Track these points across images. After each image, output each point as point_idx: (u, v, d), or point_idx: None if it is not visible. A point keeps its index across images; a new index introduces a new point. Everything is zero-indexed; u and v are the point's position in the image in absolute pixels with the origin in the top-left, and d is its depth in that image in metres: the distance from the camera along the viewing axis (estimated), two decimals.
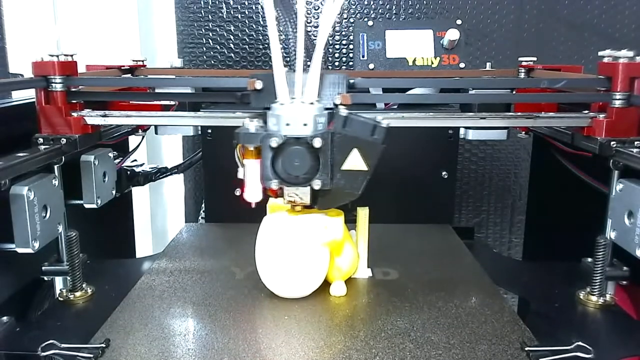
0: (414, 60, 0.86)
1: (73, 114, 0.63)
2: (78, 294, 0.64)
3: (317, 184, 0.51)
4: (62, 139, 0.61)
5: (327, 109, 0.52)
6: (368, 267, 0.65)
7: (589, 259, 0.64)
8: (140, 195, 1.21)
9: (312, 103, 0.51)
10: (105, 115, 0.65)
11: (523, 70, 0.85)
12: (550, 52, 1.19)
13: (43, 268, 0.64)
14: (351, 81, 0.57)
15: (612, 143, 0.60)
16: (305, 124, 0.50)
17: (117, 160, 0.77)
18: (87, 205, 0.69)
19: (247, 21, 1.19)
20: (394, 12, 1.18)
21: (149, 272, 0.66)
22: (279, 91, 0.51)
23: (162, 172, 0.91)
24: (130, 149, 0.86)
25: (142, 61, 0.87)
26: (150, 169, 0.88)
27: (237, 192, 0.86)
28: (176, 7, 1.20)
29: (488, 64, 0.94)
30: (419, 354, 0.49)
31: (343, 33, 1.18)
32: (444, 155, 0.86)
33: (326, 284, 0.60)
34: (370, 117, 0.51)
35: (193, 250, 0.74)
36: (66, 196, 0.64)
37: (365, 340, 0.51)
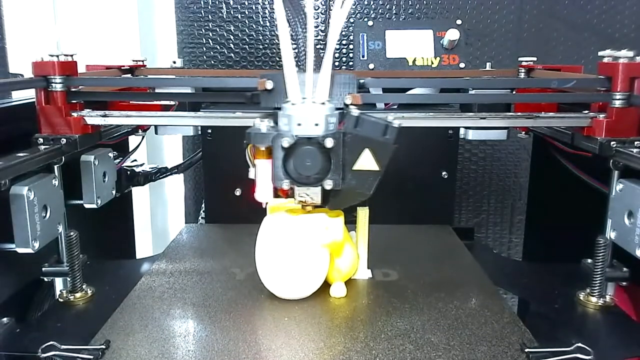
0: (414, 61, 0.86)
1: (73, 114, 0.63)
2: (78, 295, 0.64)
3: (328, 184, 0.51)
4: (62, 139, 0.61)
5: (337, 109, 0.52)
6: (368, 268, 0.65)
7: (589, 260, 0.64)
8: (140, 195, 1.21)
9: (323, 103, 0.51)
10: (105, 115, 0.65)
11: (523, 70, 0.85)
12: (550, 52, 1.19)
13: (43, 269, 0.64)
14: (361, 81, 0.57)
15: (612, 143, 0.60)
16: (316, 124, 0.50)
17: (117, 160, 0.77)
18: (87, 206, 0.69)
19: (247, 21, 1.19)
20: (394, 12, 1.18)
21: (149, 273, 0.66)
22: (290, 91, 0.51)
23: (162, 172, 0.91)
24: (130, 149, 0.86)
25: (142, 61, 0.87)
26: (150, 169, 0.88)
27: (237, 192, 0.87)
28: (176, 7, 1.20)
29: (488, 64, 0.94)
30: (419, 356, 0.49)
31: (343, 33, 1.17)
32: (444, 155, 0.86)
33: (326, 285, 0.60)
34: (381, 117, 0.51)
35: (193, 251, 0.74)
36: (66, 196, 0.64)
37: (365, 341, 0.51)
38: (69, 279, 0.64)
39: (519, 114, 0.70)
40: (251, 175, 0.55)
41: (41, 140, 0.61)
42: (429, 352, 0.49)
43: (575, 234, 0.79)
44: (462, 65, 0.86)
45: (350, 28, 1.17)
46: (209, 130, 0.85)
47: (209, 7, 1.19)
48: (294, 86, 0.51)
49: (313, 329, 0.53)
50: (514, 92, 0.76)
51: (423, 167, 0.86)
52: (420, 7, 1.17)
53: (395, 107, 0.83)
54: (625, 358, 0.55)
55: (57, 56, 0.62)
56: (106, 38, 1.20)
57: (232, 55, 1.21)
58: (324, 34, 1.15)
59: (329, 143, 0.50)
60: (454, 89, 0.82)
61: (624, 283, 0.64)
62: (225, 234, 0.81)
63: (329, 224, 0.57)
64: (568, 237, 0.84)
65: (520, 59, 0.85)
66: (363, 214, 0.63)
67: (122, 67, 0.83)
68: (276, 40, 1.19)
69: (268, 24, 1.19)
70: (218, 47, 1.20)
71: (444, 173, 0.86)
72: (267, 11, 1.19)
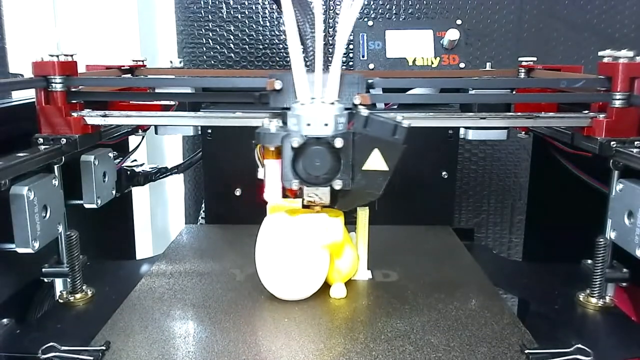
0: (414, 61, 0.86)
1: (73, 114, 0.63)
2: (78, 295, 0.63)
3: (338, 184, 0.51)
4: (62, 139, 0.61)
5: (346, 109, 0.52)
6: (368, 269, 0.65)
7: (589, 261, 0.64)
8: (140, 195, 1.21)
9: (332, 103, 0.51)
10: (105, 115, 0.65)
11: (523, 70, 0.84)
12: (550, 52, 1.19)
13: (43, 270, 0.64)
14: (369, 81, 0.57)
15: (612, 143, 0.60)
16: (326, 124, 0.50)
17: (117, 160, 0.77)
18: (87, 206, 0.68)
19: (247, 21, 1.19)
20: (394, 12, 1.18)
21: (149, 274, 0.66)
22: (300, 91, 0.51)
23: (162, 172, 0.91)
24: (130, 149, 0.86)
25: (142, 61, 0.87)
26: (150, 169, 0.88)
27: (237, 192, 0.87)
28: (176, 7, 1.20)
29: (488, 64, 0.94)
30: (418, 357, 0.49)
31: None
32: (444, 155, 0.86)
33: (326, 286, 0.60)
34: (389, 117, 0.51)
35: (193, 252, 0.74)
36: (66, 196, 0.64)
37: (365, 342, 0.51)
38: (69, 280, 0.64)
39: (519, 114, 0.70)
40: (260, 176, 0.55)
41: (41, 140, 0.61)
42: (429, 353, 0.49)
43: (575, 234, 0.79)
44: (462, 65, 0.86)
45: None
46: (209, 130, 0.85)
47: (209, 7, 1.19)
48: (303, 86, 0.51)
49: (313, 330, 0.53)
50: (514, 92, 0.75)
51: (423, 167, 0.86)
52: (420, 7, 1.17)
53: (395, 107, 0.83)
54: (624, 359, 0.55)
55: (57, 56, 0.62)
56: (106, 38, 1.20)
57: (232, 55, 1.20)
58: (329, 34, 1.16)
59: (339, 143, 0.50)
60: (454, 89, 0.81)
61: (624, 284, 0.64)
62: (225, 234, 0.81)
63: (329, 225, 0.57)
64: (568, 237, 0.84)
65: (520, 59, 0.85)
66: (363, 214, 0.63)
67: (122, 67, 0.83)
68: (276, 41, 1.19)
69: (268, 24, 1.19)
70: (218, 47, 1.20)
71: (444, 173, 0.86)
72: (267, 11, 1.19)
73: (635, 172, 0.57)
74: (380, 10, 1.18)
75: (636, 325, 0.61)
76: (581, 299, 0.63)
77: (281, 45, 1.20)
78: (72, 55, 0.64)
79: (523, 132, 0.83)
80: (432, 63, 0.86)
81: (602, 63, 0.63)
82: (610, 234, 0.61)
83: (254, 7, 1.18)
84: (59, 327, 0.58)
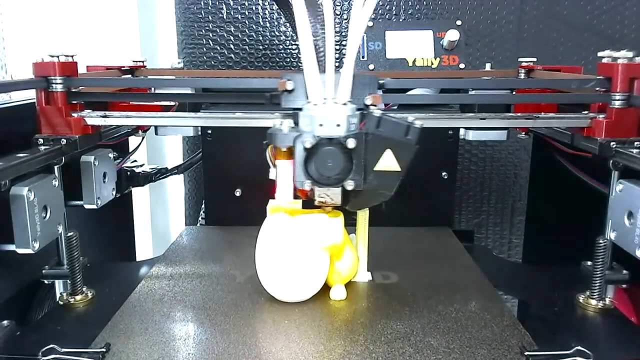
0: (414, 61, 0.86)
1: (73, 114, 0.63)
2: (78, 297, 0.63)
3: (350, 185, 0.52)
4: (62, 139, 0.61)
5: (358, 109, 0.52)
6: (368, 270, 0.65)
7: (589, 263, 0.64)
8: (140, 196, 1.21)
9: (344, 104, 0.51)
10: (105, 116, 0.65)
11: (523, 71, 0.84)
12: (550, 53, 1.19)
13: (43, 271, 0.64)
14: (381, 82, 0.58)
15: (611, 143, 0.60)
16: (338, 125, 0.50)
17: (117, 161, 0.77)
18: (87, 206, 0.68)
19: (247, 21, 1.19)
20: (394, 12, 1.18)
21: (149, 276, 0.66)
22: (312, 92, 0.51)
23: (162, 173, 0.91)
24: (131, 150, 0.86)
25: (143, 62, 0.87)
26: (150, 170, 0.88)
27: (237, 193, 0.87)
28: (176, 8, 1.20)
29: (488, 65, 0.94)
30: (418, 359, 0.49)
31: (343, 34, 1.17)
32: (443, 156, 0.86)
33: (326, 288, 0.60)
34: (401, 117, 0.51)
35: (193, 254, 0.74)
36: (66, 197, 0.63)
37: (365, 344, 0.51)
38: (69, 282, 0.64)
39: (518, 114, 0.70)
40: (272, 176, 0.55)
41: (41, 140, 0.61)
42: (429, 355, 0.49)
43: (575, 235, 0.79)
44: (462, 65, 0.86)
45: None
46: (209, 131, 0.85)
47: (209, 8, 1.18)
48: (316, 86, 0.51)
49: (313, 331, 0.53)
50: (514, 93, 0.75)
51: (423, 168, 0.85)
52: (420, 8, 1.17)
53: (395, 107, 0.83)
54: None
55: (58, 57, 0.62)
56: (106, 39, 1.20)
57: (232, 55, 1.20)
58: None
59: (351, 143, 0.50)
60: (454, 89, 0.81)
61: (624, 286, 0.64)
62: (225, 236, 0.81)
63: (329, 227, 0.57)
64: (568, 237, 0.84)
65: (520, 59, 0.85)
66: (363, 216, 0.63)
67: (123, 68, 0.83)
68: (276, 41, 1.19)
69: (268, 24, 1.19)
70: (218, 48, 1.20)
71: (443, 174, 0.86)
72: (267, 12, 1.19)
73: (635, 172, 0.57)
74: (380, 11, 1.17)
75: (636, 327, 0.61)
76: (581, 300, 0.63)
77: (281, 46, 1.20)
78: (72, 56, 0.64)
79: (523, 133, 0.83)
80: (432, 64, 0.86)
81: (602, 64, 0.63)
82: (610, 235, 0.61)
83: (254, 8, 1.18)
84: (59, 329, 0.58)
